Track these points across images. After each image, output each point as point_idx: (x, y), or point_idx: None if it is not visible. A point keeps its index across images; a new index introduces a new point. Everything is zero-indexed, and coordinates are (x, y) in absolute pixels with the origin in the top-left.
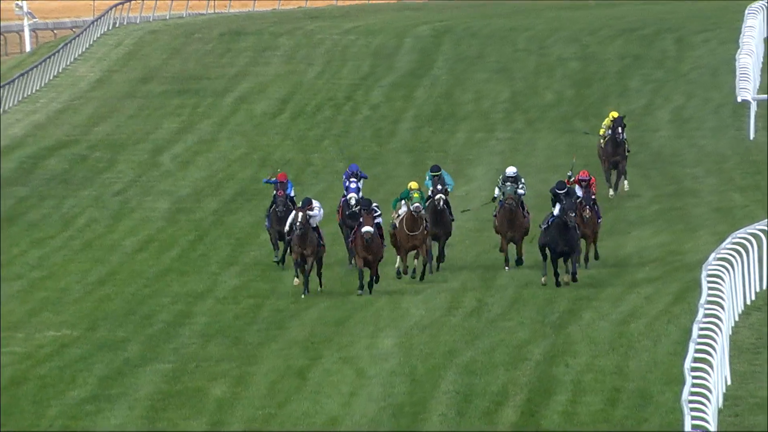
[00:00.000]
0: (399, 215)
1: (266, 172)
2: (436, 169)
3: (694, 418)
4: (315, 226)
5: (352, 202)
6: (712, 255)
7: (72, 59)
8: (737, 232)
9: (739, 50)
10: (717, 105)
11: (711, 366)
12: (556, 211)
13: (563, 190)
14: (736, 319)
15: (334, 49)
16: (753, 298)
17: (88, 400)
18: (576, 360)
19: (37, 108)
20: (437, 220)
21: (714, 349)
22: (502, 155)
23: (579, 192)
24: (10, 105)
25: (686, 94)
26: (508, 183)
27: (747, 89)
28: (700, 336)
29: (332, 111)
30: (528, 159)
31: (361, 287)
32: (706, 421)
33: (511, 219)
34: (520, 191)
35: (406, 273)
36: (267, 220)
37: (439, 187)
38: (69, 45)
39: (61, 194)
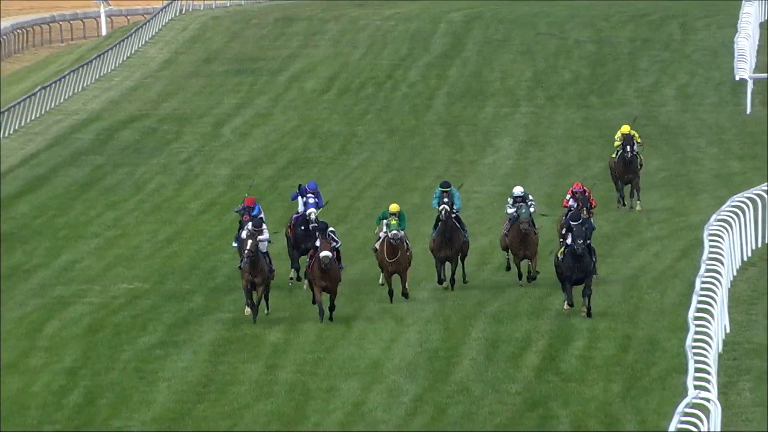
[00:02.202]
0: (380, 237)
1: (316, 143)
2: (446, 185)
3: (696, 362)
4: (265, 251)
5: (312, 217)
6: (713, 216)
7: (143, 42)
8: (735, 196)
9: (738, 34)
10: (717, 83)
11: (712, 315)
12: (569, 240)
13: (578, 221)
14: (735, 273)
15: (376, 33)
16: (749, 254)
17: (157, 345)
18: (592, 310)
19: (112, 86)
20: (449, 238)
21: (714, 300)
22: (526, 128)
23: (572, 204)
24: (89, 83)
25: (690, 73)
26: (519, 203)
27: (744, 69)
28: (702, 289)
29: (374, 88)
30: (548, 131)
31: (321, 314)
32: (707, 365)
33: (523, 239)
34: (531, 209)
35: (391, 295)
36: (235, 241)
37: (446, 199)
38: (140, 29)
39: (134, 162)
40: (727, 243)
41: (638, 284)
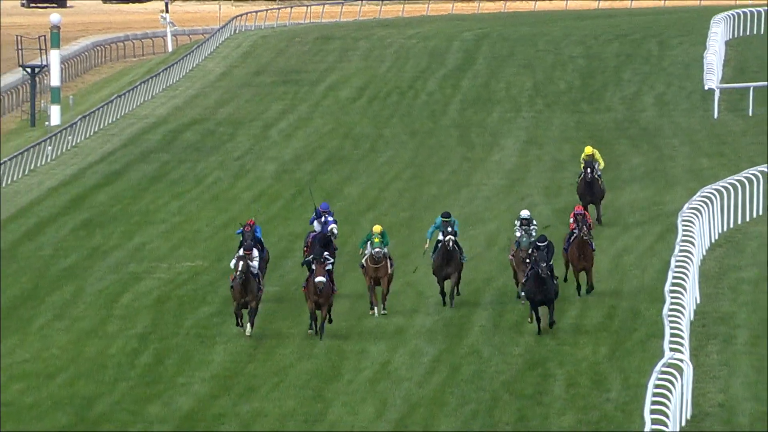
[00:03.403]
0: (365, 255)
1: (349, 143)
2: (447, 215)
3: (672, 328)
4: (256, 273)
5: (335, 231)
6: (686, 205)
7: (203, 57)
8: (705, 188)
9: (707, 50)
10: (689, 92)
11: (685, 289)
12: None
13: (544, 242)
14: (704, 253)
15: (400, 50)
16: (716, 237)
17: (215, 314)
18: (583, 285)
19: (176, 94)
20: (448, 261)
21: (687, 276)
22: (527, 130)
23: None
24: (157, 92)
25: (666, 83)
26: (525, 225)
27: (712, 80)
28: (676, 266)
29: (398, 96)
30: (546, 133)
31: (311, 328)
32: (681, 331)
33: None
34: (533, 232)
35: (373, 309)
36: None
37: (450, 229)
38: (201, 47)
39: (195, 159)
40: (697, 227)
41: (622, 263)
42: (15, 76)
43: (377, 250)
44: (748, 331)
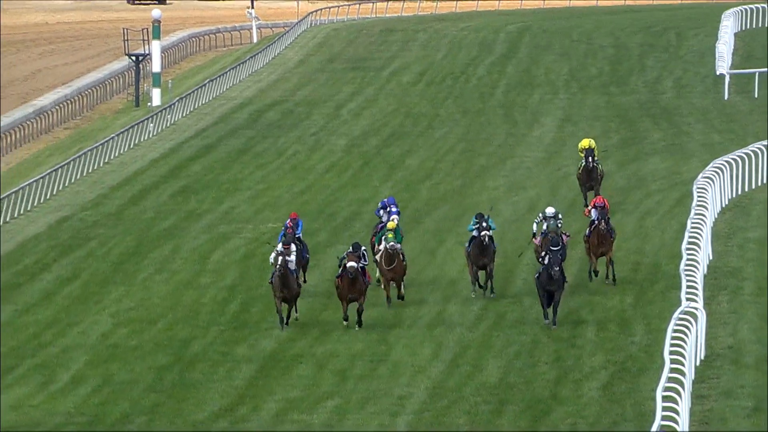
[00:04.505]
0: (380, 250)
1: (409, 121)
2: (480, 216)
3: (688, 281)
4: (293, 268)
5: (396, 222)
6: (700, 174)
7: (283, 47)
8: (716, 159)
9: (718, 41)
10: (703, 76)
11: (699, 246)
12: (546, 261)
13: (557, 247)
14: (716, 216)
15: (453, 40)
16: (727, 202)
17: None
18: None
19: (261, 78)
20: (483, 252)
21: (701, 235)
22: (563, 110)
23: (594, 215)
24: (243, 77)
25: (683, 69)
26: (551, 220)
27: (723, 66)
28: (692, 227)
29: (452, 81)
30: (579, 111)
31: (346, 318)
32: (696, 283)
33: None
34: (559, 224)
35: (388, 301)
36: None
37: (485, 224)
38: (282, 38)
39: (276, 135)
40: (710, 194)
41: (645, 224)
42: (122, 63)
43: (392, 244)
44: (754, 283)
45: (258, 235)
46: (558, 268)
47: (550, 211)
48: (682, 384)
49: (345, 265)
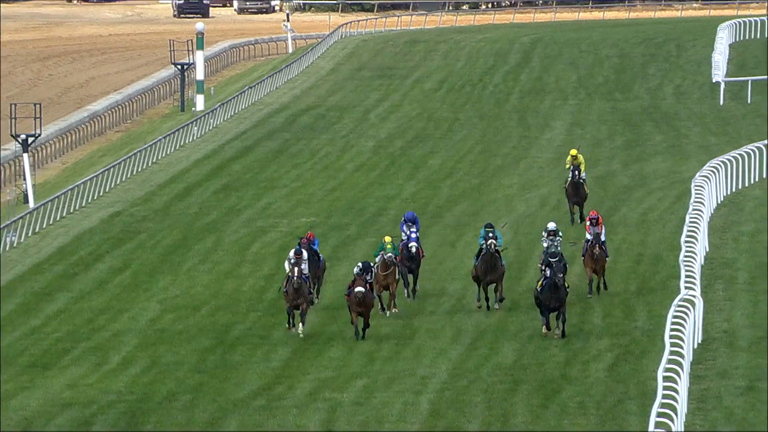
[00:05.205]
0: (377, 263)
1: (431, 124)
2: (489, 226)
3: (686, 271)
4: (306, 276)
5: (413, 251)
6: (698, 173)
7: (316, 57)
8: (712, 160)
9: (714, 51)
10: (701, 84)
11: (697, 239)
12: (548, 273)
13: (556, 258)
14: (712, 211)
15: (471, 50)
16: (722, 199)
17: (326, 259)
18: (616, 237)
19: (295, 86)
20: (491, 267)
21: (698, 229)
22: (572, 114)
23: (589, 235)
24: (280, 84)
25: (682, 77)
26: (552, 235)
27: (719, 74)
28: (690, 221)
29: (470, 88)
30: (587, 116)
31: (357, 333)
32: (694, 273)
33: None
34: (558, 242)
35: (383, 310)
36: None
37: (490, 234)
38: (315, 48)
39: (309, 137)
40: (707, 191)
41: (647, 219)
42: (168, 71)
43: (389, 255)
44: (747, 273)
45: (293, 229)
46: (562, 275)
47: (551, 226)
48: (681, 365)
49: (353, 288)
